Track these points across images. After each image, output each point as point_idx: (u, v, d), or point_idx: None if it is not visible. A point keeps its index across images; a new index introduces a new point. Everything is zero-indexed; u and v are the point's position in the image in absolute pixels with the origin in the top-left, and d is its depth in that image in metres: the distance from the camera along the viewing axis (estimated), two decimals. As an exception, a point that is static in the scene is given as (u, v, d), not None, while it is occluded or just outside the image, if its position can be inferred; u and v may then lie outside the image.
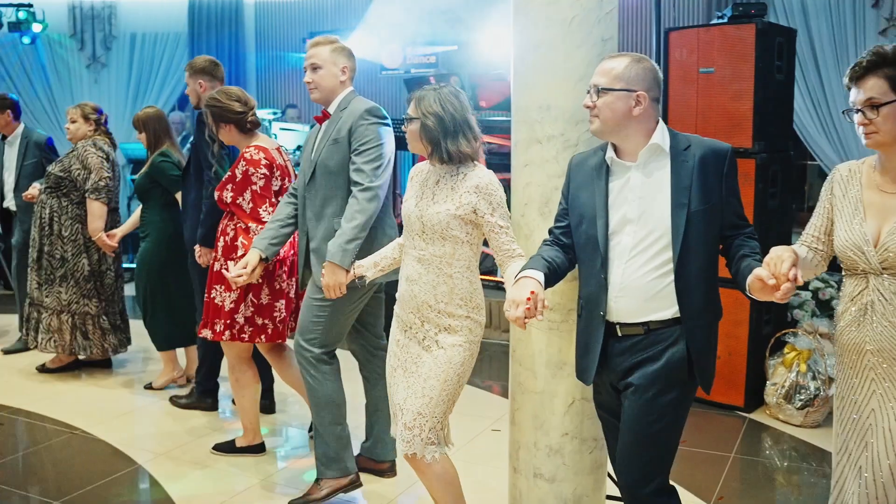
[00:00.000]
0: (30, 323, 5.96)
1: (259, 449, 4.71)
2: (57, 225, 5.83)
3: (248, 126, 4.38)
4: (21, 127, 6.77)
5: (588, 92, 2.76)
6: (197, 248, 4.90)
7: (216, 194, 4.37)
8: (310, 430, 4.88)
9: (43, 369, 6.13)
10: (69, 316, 5.86)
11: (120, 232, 5.84)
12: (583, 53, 3.11)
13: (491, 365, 6.44)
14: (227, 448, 4.71)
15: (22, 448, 4.86)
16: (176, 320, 5.62)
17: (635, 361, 2.73)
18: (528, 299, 2.58)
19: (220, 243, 4.37)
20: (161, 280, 5.53)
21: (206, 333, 4.36)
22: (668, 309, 2.70)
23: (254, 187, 4.26)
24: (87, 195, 5.74)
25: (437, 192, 3.21)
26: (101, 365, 6.24)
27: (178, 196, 5.41)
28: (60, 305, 5.84)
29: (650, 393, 2.71)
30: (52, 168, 5.90)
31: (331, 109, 3.99)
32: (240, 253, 4.22)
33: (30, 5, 10.52)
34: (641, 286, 2.71)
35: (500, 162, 8.09)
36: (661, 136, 2.73)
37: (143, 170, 5.50)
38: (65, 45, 11.51)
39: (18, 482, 4.42)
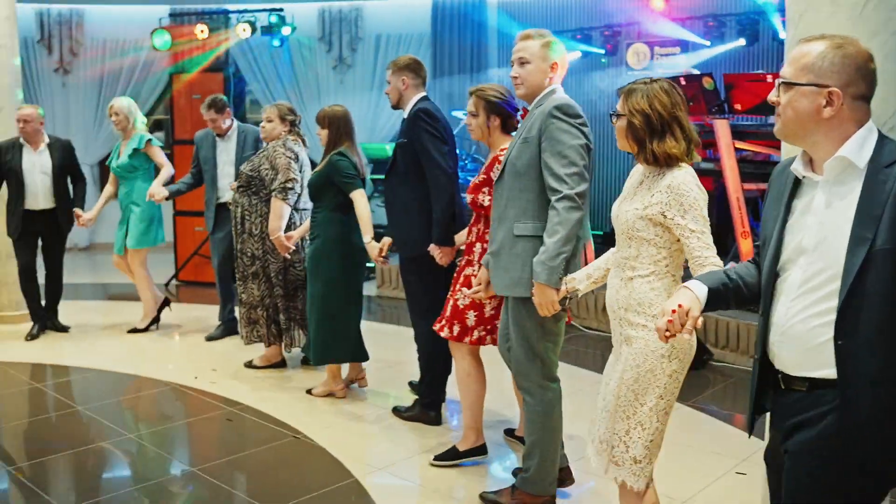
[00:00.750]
0: (241, 318, 6.15)
1: (481, 451, 4.51)
2: (248, 223, 5.93)
3: (510, 127, 4.25)
4: (235, 123, 6.97)
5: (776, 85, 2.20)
6: (436, 249, 4.70)
7: (468, 197, 4.24)
8: (507, 432, 4.89)
9: (250, 365, 6.23)
10: (263, 311, 5.98)
11: (297, 234, 5.76)
12: (878, 44, 2.54)
13: (736, 393, 5.80)
14: (449, 456, 4.51)
15: (248, 447, 4.82)
16: (337, 330, 5.36)
17: (795, 422, 2.19)
18: (673, 311, 2.23)
19: (477, 249, 4.28)
20: (323, 285, 5.30)
21: (444, 333, 4.36)
22: (832, 367, 2.11)
23: None
24: (272, 194, 5.73)
25: (637, 193, 2.97)
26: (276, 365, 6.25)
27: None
28: (254, 301, 5.98)
29: (803, 467, 2.16)
30: (244, 167, 5.98)
31: (531, 107, 3.75)
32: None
33: (281, 10, 10.87)
34: (802, 333, 2.16)
35: (754, 171, 7.35)
36: (857, 146, 2.12)
37: (319, 168, 5.31)
38: (312, 48, 11.83)
39: (235, 481, 4.39)
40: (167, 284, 9.45)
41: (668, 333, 2.24)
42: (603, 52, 10.35)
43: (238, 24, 10.86)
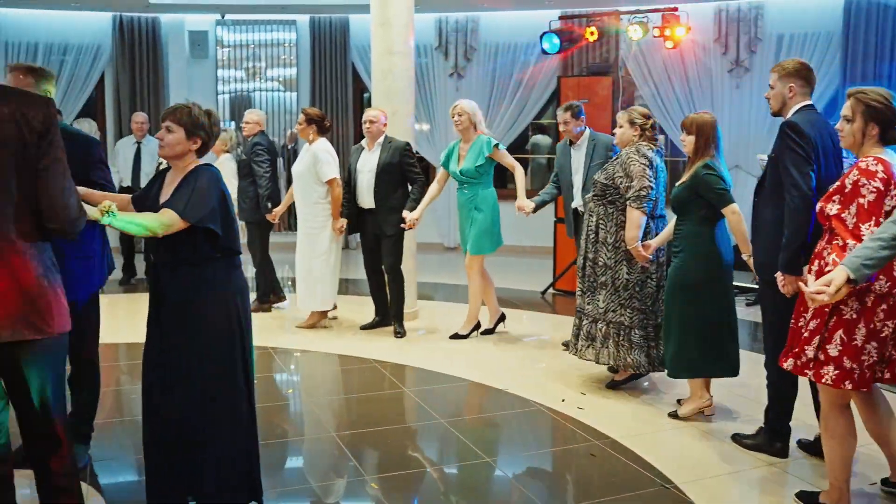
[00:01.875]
0: (575, 329, 5.93)
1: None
2: (602, 232, 5.70)
3: (890, 138, 3.78)
4: (588, 131, 6.84)
5: None
6: (779, 276, 4.25)
7: (818, 206, 3.88)
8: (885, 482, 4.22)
9: (612, 384, 5.95)
10: (604, 325, 5.68)
11: (655, 243, 5.49)
12: None
13: None
14: (807, 499, 4.01)
15: (610, 491, 4.36)
16: (700, 346, 5.11)
17: None
18: None
19: (814, 266, 3.86)
20: (687, 300, 5.09)
21: (788, 364, 3.90)
22: None
23: (861, 200, 3.65)
24: (627, 203, 5.50)
25: None
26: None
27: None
28: (597, 313, 5.70)
29: None
30: (598, 176, 5.81)
31: None
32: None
33: (675, 9, 10.27)
34: None
35: None
36: None
37: (684, 179, 5.08)
38: (708, 49, 11.11)
39: (548, 480, 4.06)
40: (543, 293, 9.27)
41: None
42: None
43: (629, 25, 10.44)
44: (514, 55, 12.07)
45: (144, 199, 3.70)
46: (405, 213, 6.98)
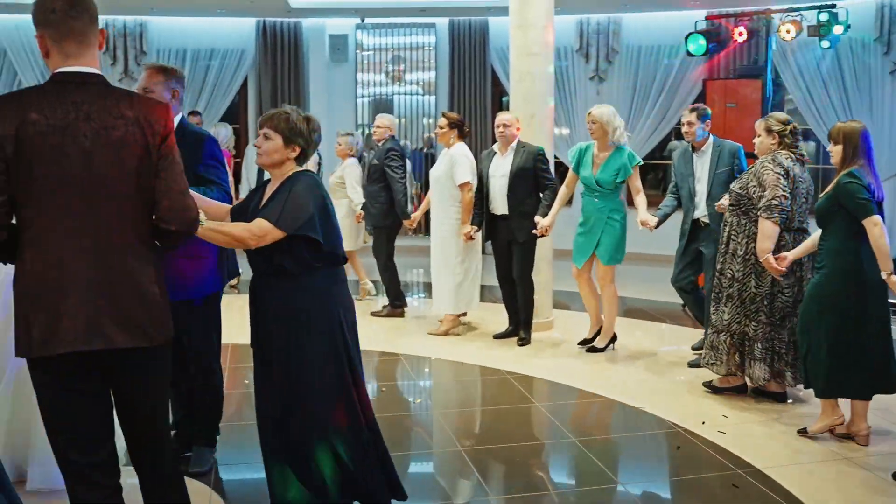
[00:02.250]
0: (705, 338, 5.82)
1: None
2: (733, 243, 5.53)
3: None
4: (712, 137, 6.48)
5: None
6: None
7: None
8: None
9: (709, 385, 5.87)
10: (728, 335, 5.54)
11: (790, 256, 5.20)
12: None
13: None
14: None
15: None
16: (849, 366, 4.80)
17: None
18: None
19: None
20: (827, 318, 4.82)
21: None
22: None
23: None
24: (759, 213, 5.29)
25: None
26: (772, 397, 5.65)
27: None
28: (721, 324, 5.56)
29: None
30: (734, 185, 5.61)
31: None
32: None
33: (833, 6, 9.66)
34: None
35: None
36: None
37: (828, 190, 4.84)
38: (868, 48, 10.40)
39: None
40: (685, 307, 8.83)
41: None
42: None
43: (781, 24, 9.89)
44: (658, 57, 11.69)
45: (243, 212, 3.60)
46: (537, 219, 6.75)
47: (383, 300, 8.42)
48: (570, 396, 5.92)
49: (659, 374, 6.38)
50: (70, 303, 2.68)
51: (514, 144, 7.03)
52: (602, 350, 6.89)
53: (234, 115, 12.38)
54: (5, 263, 2.86)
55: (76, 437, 2.81)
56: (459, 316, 7.54)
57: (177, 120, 4.19)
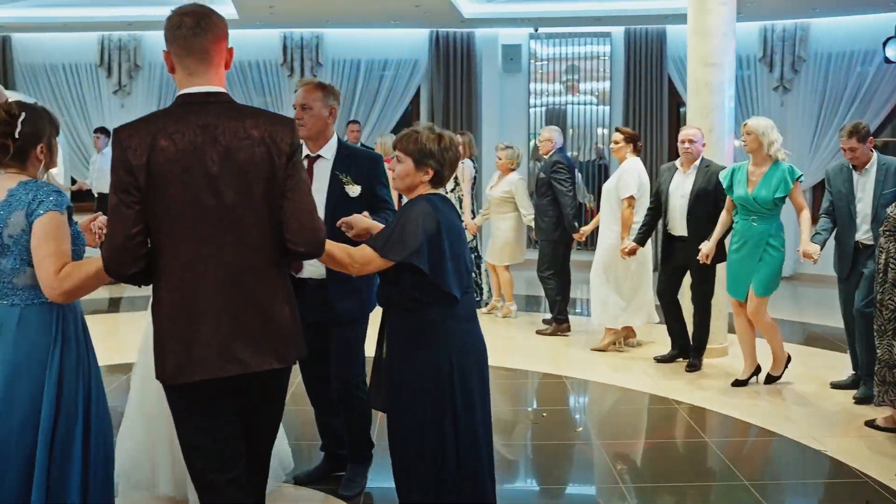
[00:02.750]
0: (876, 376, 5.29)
1: None
2: (892, 272, 5.11)
3: None
4: (876, 155, 5.96)
5: None
6: None
7: None
8: None
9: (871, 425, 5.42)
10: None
11: None
12: None
13: None
14: None
15: None
16: None
17: None
18: None
19: None
20: None
21: None
22: None
23: None
24: None
25: None
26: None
27: None
28: (891, 359, 5.10)
29: None
30: (891, 209, 5.20)
31: None
32: None
33: None
34: None
35: None
36: None
37: None
38: None
39: None
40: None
41: None
42: None
43: None
44: (850, 65, 10.93)
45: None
46: (702, 245, 6.36)
47: (535, 316, 8.24)
48: (744, 433, 5.50)
49: (845, 411, 5.84)
50: (203, 330, 2.68)
51: (697, 162, 6.64)
52: (778, 378, 6.41)
53: (407, 125, 12.39)
54: (140, 286, 2.86)
55: (212, 457, 2.81)
56: (623, 331, 7.35)
57: (334, 139, 4.15)
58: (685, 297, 6.93)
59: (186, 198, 2.63)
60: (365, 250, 3.19)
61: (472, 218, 8.68)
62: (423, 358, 3.24)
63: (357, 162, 4.08)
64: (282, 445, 4.26)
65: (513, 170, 8.38)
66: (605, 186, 7.32)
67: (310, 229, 2.75)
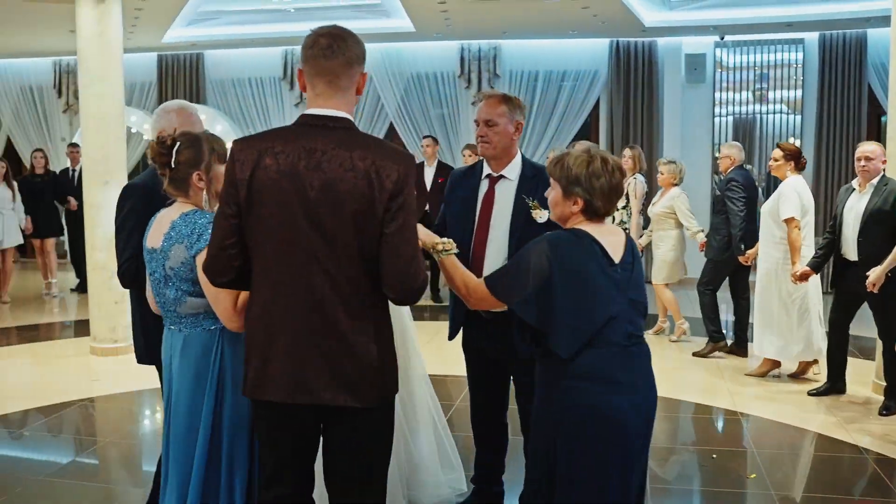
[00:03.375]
0: None
1: None
2: None
3: None
4: None
5: None
6: None
7: None
8: None
9: None
10: None
11: None
12: None
13: None
14: None
15: None
16: None
17: None
18: None
19: None
20: None
21: None
22: None
23: None
24: None
25: None
26: None
27: None
28: None
29: None
30: None
31: None
32: None
33: None
34: None
35: None
36: None
37: None
38: None
39: None
40: None
41: None
42: None
43: None
44: None
45: None
46: (870, 272, 5.71)
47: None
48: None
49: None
50: (277, 350, 2.64)
51: (875, 181, 6.07)
52: None
53: (586, 136, 12.17)
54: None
55: (279, 472, 2.78)
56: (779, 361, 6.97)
57: (518, 157, 3.86)
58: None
59: (281, 218, 2.59)
60: (478, 285, 2.97)
61: (640, 237, 8.33)
62: (537, 417, 2.95)
63: (544, 183, 3.31)
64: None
65: (675, 185, 8.02)
66: (763, 208, 6.85)
67: (405, 277, 2.60)
